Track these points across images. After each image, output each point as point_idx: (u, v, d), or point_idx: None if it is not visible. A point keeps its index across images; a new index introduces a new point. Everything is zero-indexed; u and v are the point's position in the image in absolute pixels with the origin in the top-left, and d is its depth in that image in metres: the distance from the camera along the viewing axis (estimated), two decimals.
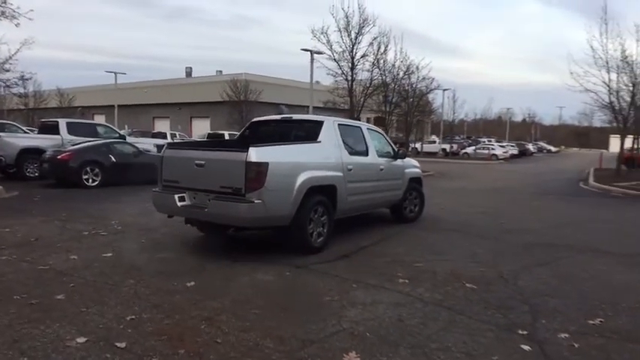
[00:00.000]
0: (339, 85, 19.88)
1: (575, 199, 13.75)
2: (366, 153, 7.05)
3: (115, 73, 35.92)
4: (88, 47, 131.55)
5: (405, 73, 20.41)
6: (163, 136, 27.58)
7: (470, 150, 42.46)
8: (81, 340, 3.31)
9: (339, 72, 19.26)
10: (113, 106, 37.11)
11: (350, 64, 18.88)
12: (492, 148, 41.90)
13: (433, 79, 21.78)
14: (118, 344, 3.26)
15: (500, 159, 40.24)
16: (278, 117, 7.49)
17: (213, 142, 9.88)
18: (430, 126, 50.81)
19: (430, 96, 22.92)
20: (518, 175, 23.67)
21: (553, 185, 18.03)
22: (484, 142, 47.85)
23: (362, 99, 20.16)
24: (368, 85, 20.00)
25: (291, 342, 3.38)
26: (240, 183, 5.11)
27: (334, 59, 18.85)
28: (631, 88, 18.58)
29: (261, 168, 5.07)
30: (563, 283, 4.99)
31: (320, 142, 6.14)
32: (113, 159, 12.53)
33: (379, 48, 19.15)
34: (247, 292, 4.45)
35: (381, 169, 7.34)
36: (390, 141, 8.21)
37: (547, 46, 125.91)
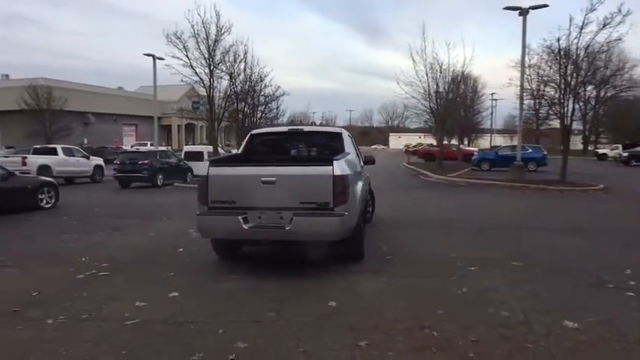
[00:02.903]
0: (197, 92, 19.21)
1: (440, 191, 16.20)
2: (359, 160, 7.40)
3: None
4: None
5: (250, 83, 20.89)
6: None
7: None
8: None
9: (197, 79, 18.64)
10: None
11: (208, 72, 18.47)
12: None
13: (279, 87, 22.82)
14: None
15: None
16: (285, 128, 7.36)
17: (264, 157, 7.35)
18: None
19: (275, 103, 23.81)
20: None
21: (403, 180, 20.99)
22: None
23: (222, 108, 19.91)
24: (227, 93, 19.87)
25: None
26: (328, 197, 4.99)
27: (190, 66, 18.18)
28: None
29: (345, 181, 5.08)
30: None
31: (349, 153, 6.30)
32: None
33: (235, 56, 19.26)
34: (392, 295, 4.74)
35: (368, 175, 7.92)
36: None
37: (328, 56, 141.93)
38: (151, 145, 33.75)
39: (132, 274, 5.54)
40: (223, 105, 19.86)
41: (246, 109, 21.51)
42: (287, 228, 5.06)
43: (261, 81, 21.53)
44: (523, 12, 17.28)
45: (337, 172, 5.07)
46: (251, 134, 7.10)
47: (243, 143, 7.08)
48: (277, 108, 24.04)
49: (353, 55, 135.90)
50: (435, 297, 4.63)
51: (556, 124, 26.50)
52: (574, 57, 16.08)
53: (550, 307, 4.30)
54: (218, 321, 3.96)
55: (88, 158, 19.92)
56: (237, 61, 19.53)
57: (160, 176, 18.27)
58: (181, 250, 6.78)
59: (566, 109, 16.53)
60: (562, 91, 16.43)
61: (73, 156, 19.23)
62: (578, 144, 57.51)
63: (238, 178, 5.30)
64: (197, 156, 22.12)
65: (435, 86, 25.15)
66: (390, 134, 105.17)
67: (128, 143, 42.42)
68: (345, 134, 6.88)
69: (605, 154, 42.09)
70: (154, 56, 20.85)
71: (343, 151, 6.44)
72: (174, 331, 3.77)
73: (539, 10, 17.19)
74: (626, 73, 36.99)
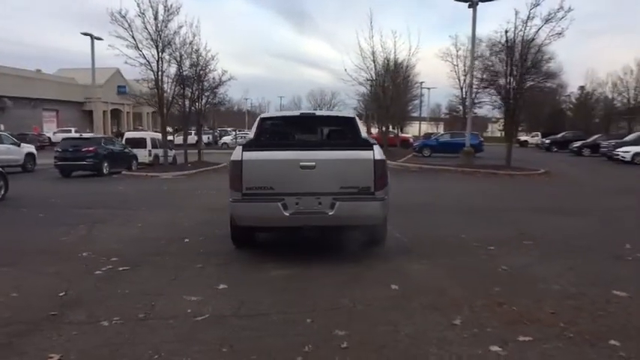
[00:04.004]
0: (146, 76, 17.94)
1: (397, 176, 16.31)
2: None
3: None
4: None
5: (197, 67, 19.91)
6: None
7: (229, 140, 44.30)
8: None
9: (144, 62, 17.39)
10: None
11: (156, 54, 17.31)
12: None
13: (225, 71, 21.96)
14: None
15: None
16: (297, 113, 7.05)
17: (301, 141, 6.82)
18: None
19: (222, 89, 22.91)
20: None
21: None
22: (240, 132, 50.47)
23: (172, 93, 18.79)
24: (175, 78, 18.75)
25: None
26: (369, 182, 4.98)
27: (136, 47, 16.90)
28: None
29: (384, 165, 5.09)
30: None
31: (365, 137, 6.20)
32: None
33: (184, 39, 18.21)
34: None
35: None
36: None
37: (254, 42, 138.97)
38: (76, 131, 31.23)
39: (154, 267, 5.11)
40: (173, 89, 18.79)
41: (191, 95, 20.53)
42: (330, 213, 4.96)
43: (207, 66, 20.65)
44: (473, 4, 18.09)
45: (377, 156, 5.06)
46: (261, 118, 6.75)
47: (254, 127, 6.68)
48: (223, 93, 23.20)
49: (280, 42, 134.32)
50: (482, 275, 4.78)
51: (480, 112, 28.36)
52: (519, 49, 17.18)
53: (591, 280, 4.62)
54: (295, 310, 3.79)
55: (19, 145, 17.97)
56: (188, 43, 18.55)
57: (106, 164, 17.00)
58: (187, 240, 6.37)
59: (511, 99, 17.65)
60: (508, 82, 17.51)
61: (2, 143, 17.25)
62: (495, 132, 62.33)
63: (275, 163, 5.07)
64: (139, 143, 20.86)
65: (381, 74, 25.69)
66: None
67: (49, 130, 38.86)
68: (357, 120, 6.81)
69: (526, 140, 45.65)
70: (92, 36, 19.12)
71: (358, 136, 6.38)
72: (257, 323, 3.54)
73: (486, 3, 18.10)
74: (544, 65, 40.46)
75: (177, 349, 3.11)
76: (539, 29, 16.55)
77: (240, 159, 5.03)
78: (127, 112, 50.65)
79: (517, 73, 17.59)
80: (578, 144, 30.72)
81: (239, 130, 52.04)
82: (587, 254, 5.61)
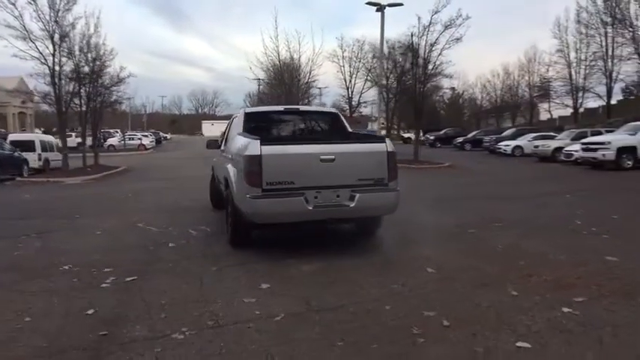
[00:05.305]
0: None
1: None
2: None
3: None
4: None
5: (97, 60, 18.03)
6: None
7: (115, 142, 40.78)
8: None
9: (36, 54, 15.23)
10: None
11: (52, 47, 15.27)
12: (139, 138, 42.05)
13: (122, 67, 20.20)
14: None
15: (149, 148, 41.24)
16: (281, 108, 6.74)
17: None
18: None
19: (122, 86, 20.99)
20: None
21: None
22: (129, 133, 46.75)
23: (73, 90, 16.69)
24: (73, 75, 16.70)
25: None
26: (383, 173, 5.14)
27: (28, 38, 14.75)
28: None
29: (395, 157, 5.25)
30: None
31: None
32: None
33: (84, 32, 16.33)
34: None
35: None
36: None
37: (129, 38, 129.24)
38: None
39: (166, 275, 4.65)
40: (75, 87, 16.79)
41: (88, 93, 18.53)
42: (351, 205, 5.02)
43: (102, 62, 18.80)
44: (381, 8, 19.21)
45: (389, 148, 5.26)
46: (245, 113, 6.50)
47: (241, 122, 6.37)
48: (122, 91, 21.33)
49: (157, 40, 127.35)
50: (490, 254, 5.22)
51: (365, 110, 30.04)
52: (423, 52, 18.70)
53: (576, 250, 5.30)
54: (362, 299, 3.80)
55: None
56: (86, 37, 16.73)
57: None
58: (173, 245, 5.90)
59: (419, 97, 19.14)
60: (416, 81, 18.95)
61: None
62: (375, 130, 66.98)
63: (296, 157, 4.97)
64: (26, 145, 18.34)
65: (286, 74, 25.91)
66: (203, 121, 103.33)
67: None
68: (341, 115, 6.95)
69: (410, 137, 49.42)
70: None
71: (346, 131, 6.50)
72: (342, 316, 3.48)
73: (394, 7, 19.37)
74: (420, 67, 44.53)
75: (284, 351, 2.94)
76: (440, 34, 18.15)
77: (259, 153, 4.82)
78: (30, 114, 44.00)
79: (421, 74, 19.09)
80: (460, 139, 34.25)
81: (127, 132, 48.21)
82: (552, 231, 6.40)
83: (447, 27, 17.94)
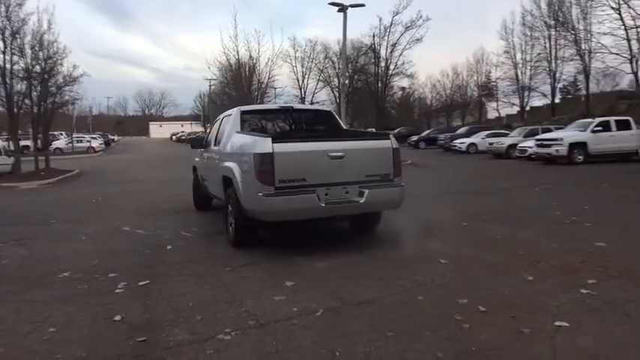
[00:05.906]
0: None
1: None
2: None
3: None
4: None
5: (49, 59, 16.96)
6: None
7: (62, 144, 38.64)
8: None
9: None
10: None
11: (2, 43, 14.22)
12: (88, 141, 40.12)
13: (76, 66, 19.15)
14: None
15: (98, 150, 39.53)
16: (276, 106, 6.62)
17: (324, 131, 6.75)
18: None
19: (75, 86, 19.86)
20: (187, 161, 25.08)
21: None
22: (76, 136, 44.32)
23: (25, 90, 15.59)
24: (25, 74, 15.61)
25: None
26: (389, 169, 5.25)
27: None
28: None
29: (400, 154, 5.38)
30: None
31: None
32: None
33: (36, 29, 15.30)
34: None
35: None
36: None
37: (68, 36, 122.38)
38: None
39: (178, 278, 4.50)
40: (26, 87, 15.74)
41: (39, 93, 17.44)
42: (361, 201, 5.09)
43: (54, 61, 17.76)
44: (343, 8, 19.41)
45: (394, 145, 5.39)
46: (241, 111, 6.38)
47: (238, 120, 6.25)
48: (73, 92, 20.20)
49: (101, 39, 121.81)
50: (492, 244, 5.45)
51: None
52: (384, 52, 19.10)
53: (566, 238, 5.65)
54: (393, 292, 3.88)
55: None
56: (37, 34, 15.73)
57: None
58: (170, 247, 5.73)
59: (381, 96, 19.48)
60: (378, 81, 19.32)
61: None
62: None
63: (307, 154, 4.97)
64: None
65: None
66: (151, 123, 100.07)
67: None
68: (335, 114, 7.02)
69: None
70: None
71: (342, 129, 6.57)
72: (382, 308, 3.55)
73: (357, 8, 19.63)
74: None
75: (338, 345, 2.95)
76: (401, 35, 18.60)
77: (270, 151, 4.78)
78: None
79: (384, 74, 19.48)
80: (414, 138, 35.16)
81: (74, 134, 45.59)
82: (538, 222, 6.75)
83: (407, 28, 18.44)
